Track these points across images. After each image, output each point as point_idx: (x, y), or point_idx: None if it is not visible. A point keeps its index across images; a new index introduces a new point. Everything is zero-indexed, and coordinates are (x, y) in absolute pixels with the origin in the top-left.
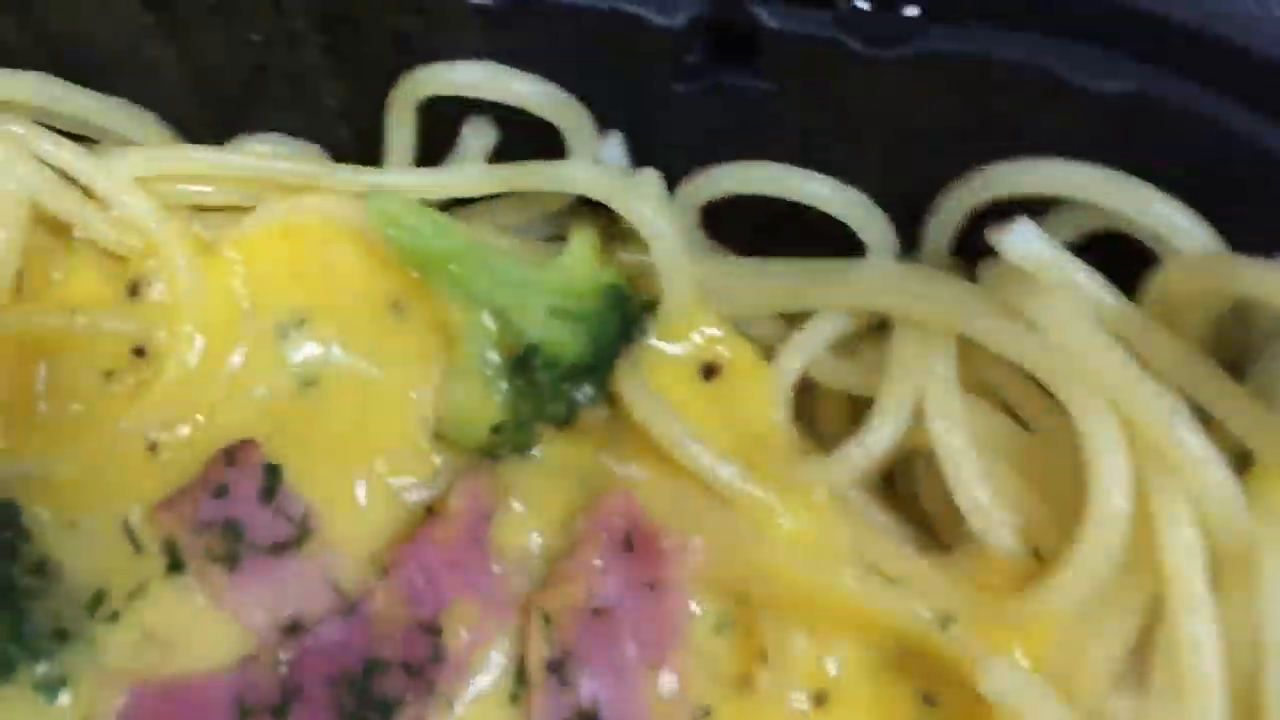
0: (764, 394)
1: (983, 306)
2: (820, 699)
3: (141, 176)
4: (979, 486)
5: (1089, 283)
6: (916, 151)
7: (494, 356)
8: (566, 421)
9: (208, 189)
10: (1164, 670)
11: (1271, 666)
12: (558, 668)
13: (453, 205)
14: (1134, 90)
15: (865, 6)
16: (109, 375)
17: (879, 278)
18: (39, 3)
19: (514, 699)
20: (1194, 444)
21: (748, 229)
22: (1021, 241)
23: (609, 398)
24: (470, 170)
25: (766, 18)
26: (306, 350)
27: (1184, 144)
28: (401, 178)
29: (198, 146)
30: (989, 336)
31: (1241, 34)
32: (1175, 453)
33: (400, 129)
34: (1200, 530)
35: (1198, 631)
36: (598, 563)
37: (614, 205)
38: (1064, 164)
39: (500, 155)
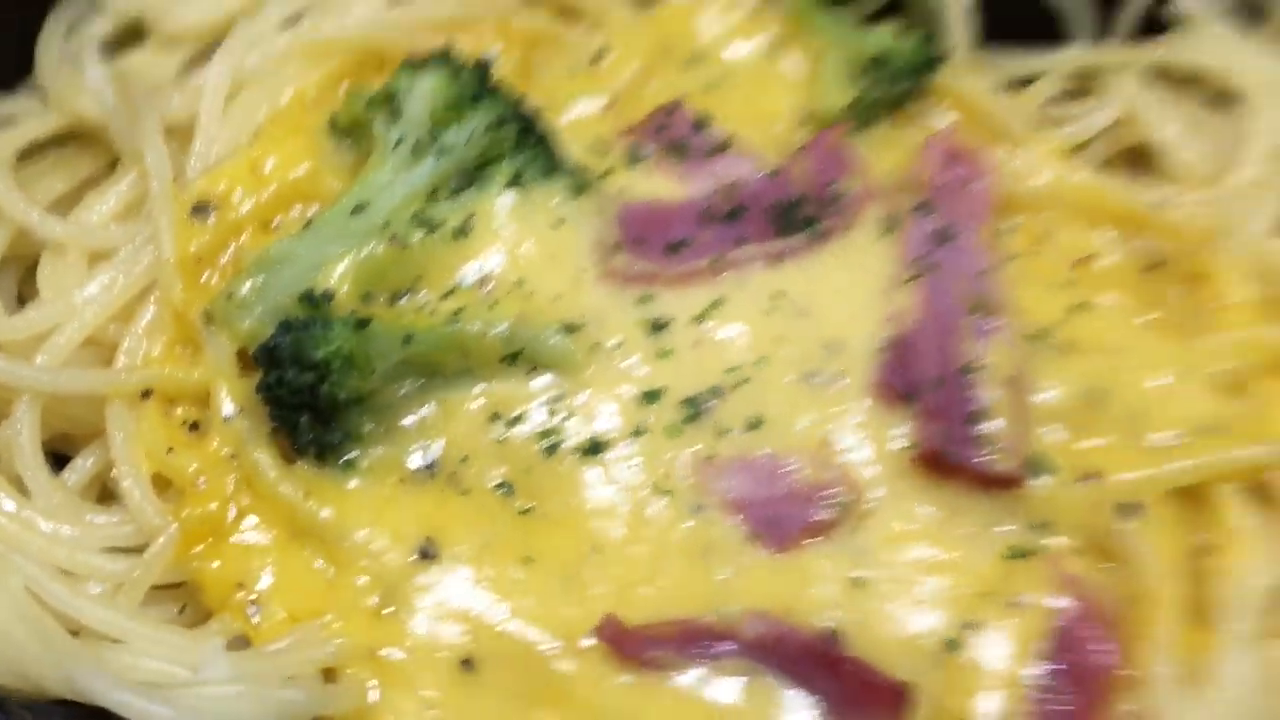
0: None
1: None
2: (1079, 265)
3: None
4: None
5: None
6: None
7: (849, 62)
8: (894, 109)
9: None
10: None
11: None
12: (920, 209)
13: None
14: None
15: None
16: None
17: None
18: None
19: (885, 232)
20: None
21: None
22: None
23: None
24: None
25: None
26: (729, 53)
27: None
28: None
29: None
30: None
31: None
32: None
33: None
34: None
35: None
36: (934, 162)
37: None
38: None
39: None
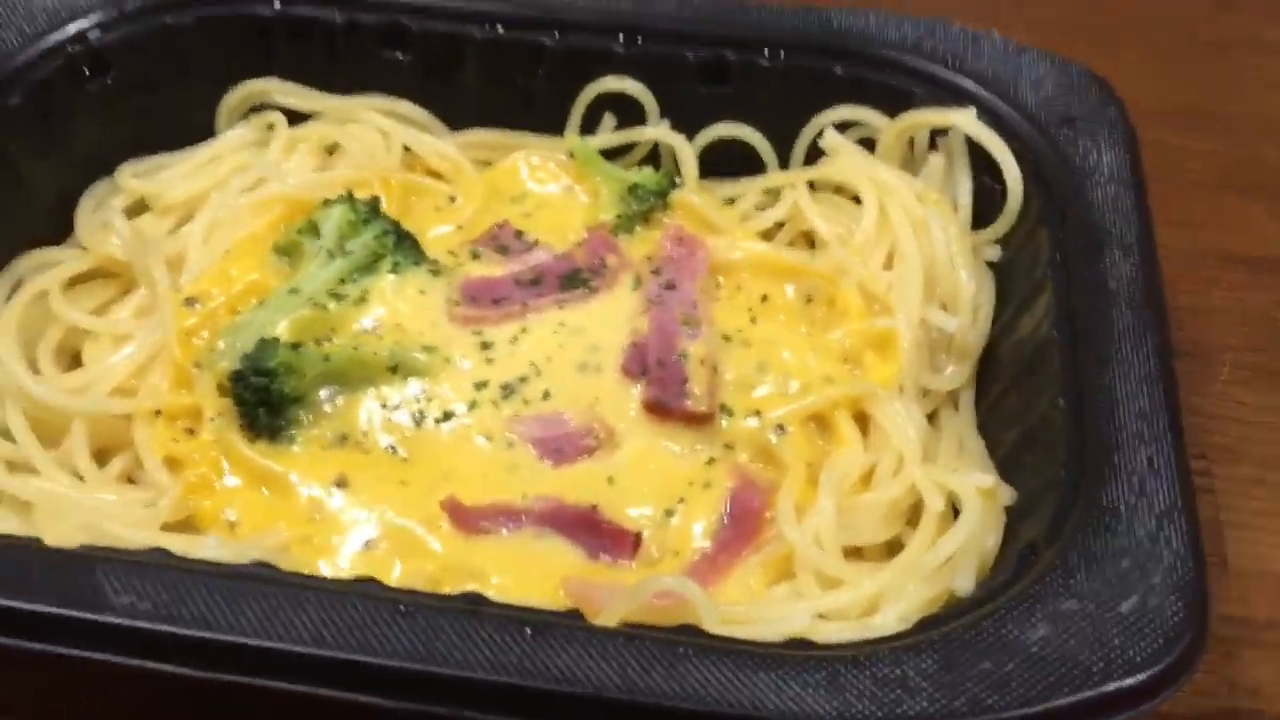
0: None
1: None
2: (761, 301)
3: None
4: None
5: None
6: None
7: (617, 191)
8: (647, 218)
9: None
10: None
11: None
12: (656, 272)
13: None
14: None
15: None
16: (438, 209)
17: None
18: None
19: (635, 287)
20: (890, 176)
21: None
22: (830, 134)
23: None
24: (612, 135)
25: None
26: (539, 190)
27: None
28: (592, 140)
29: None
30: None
31: None
32: (889, 180)
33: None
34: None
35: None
36: (668, 245)
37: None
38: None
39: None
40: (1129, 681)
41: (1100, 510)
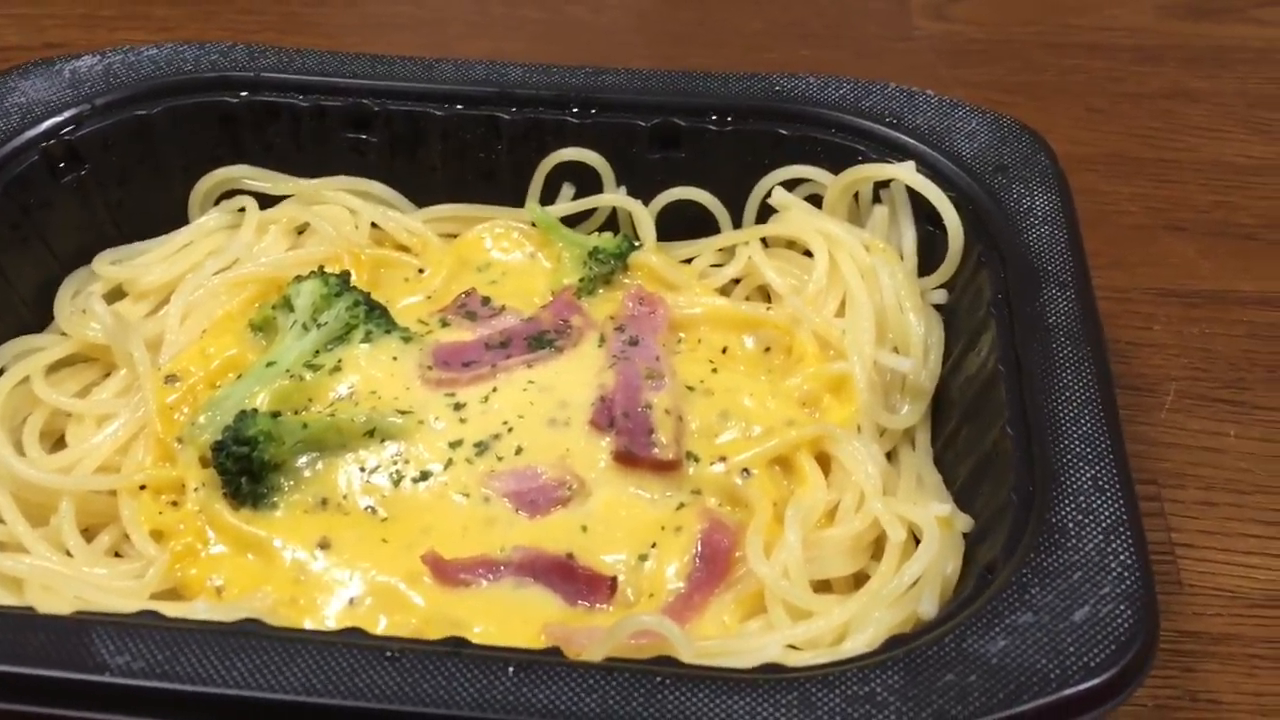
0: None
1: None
2: (721, 352)
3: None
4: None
5: (799, 200)
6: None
7: (578, 256)
8: (608, 280)
9: None
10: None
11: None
12: (620, 329)
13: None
14: None
15: None
16: (407, 280)
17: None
18: None
19: (599, 345)
20: (838, 229)
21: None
22: (779, 193)
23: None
24: (571, 203)
25: None
26: (504, 259)
27: None
28: (553, 208)
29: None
30: (775, 226)
31: None
32: (837, 233)
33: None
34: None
35: (858, 287)
36: (630, 304)
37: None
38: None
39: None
40: (1085, 686)
41: (1050, 529)
